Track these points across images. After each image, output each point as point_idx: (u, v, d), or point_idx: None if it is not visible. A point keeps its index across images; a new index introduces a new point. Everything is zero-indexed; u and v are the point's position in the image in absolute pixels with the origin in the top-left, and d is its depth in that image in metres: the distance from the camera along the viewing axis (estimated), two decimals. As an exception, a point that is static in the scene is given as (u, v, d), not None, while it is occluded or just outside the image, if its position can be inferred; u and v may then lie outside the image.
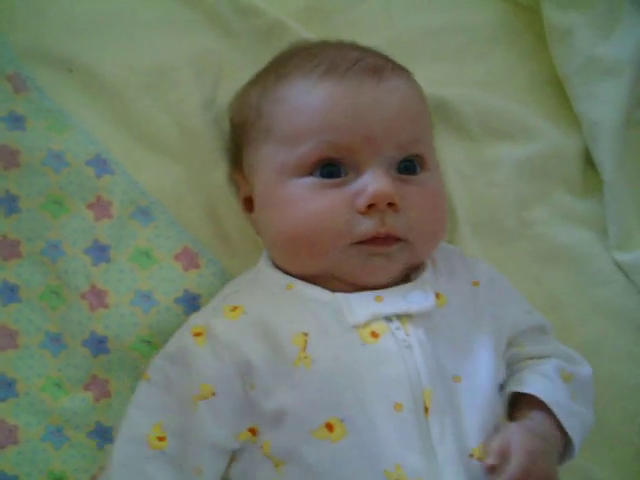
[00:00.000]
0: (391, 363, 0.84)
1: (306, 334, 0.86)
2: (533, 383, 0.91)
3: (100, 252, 1.01)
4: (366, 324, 0.86)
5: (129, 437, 0.87)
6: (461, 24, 1.22)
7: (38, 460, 0.95)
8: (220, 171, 1.06)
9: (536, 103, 1.20)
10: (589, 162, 1.17)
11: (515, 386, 0.91)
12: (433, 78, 1.16)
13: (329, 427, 0.82)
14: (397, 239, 0.88)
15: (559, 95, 1.20)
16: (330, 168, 0.89)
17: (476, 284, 0.97)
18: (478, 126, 1.17)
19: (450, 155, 1.14)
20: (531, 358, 0.96)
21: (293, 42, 1.06)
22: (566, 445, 0.90)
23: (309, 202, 0.88)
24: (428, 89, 1.11)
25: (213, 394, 0.85)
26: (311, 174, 0.89)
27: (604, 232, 1.14)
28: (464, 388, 0.86)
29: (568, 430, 0.88)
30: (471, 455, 0.82)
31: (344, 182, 0.88)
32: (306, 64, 0.93)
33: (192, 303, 1.01)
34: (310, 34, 1.13)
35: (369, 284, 0.89)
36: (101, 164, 1.03)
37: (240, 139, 1.00)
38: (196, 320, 0.92)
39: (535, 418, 0.88)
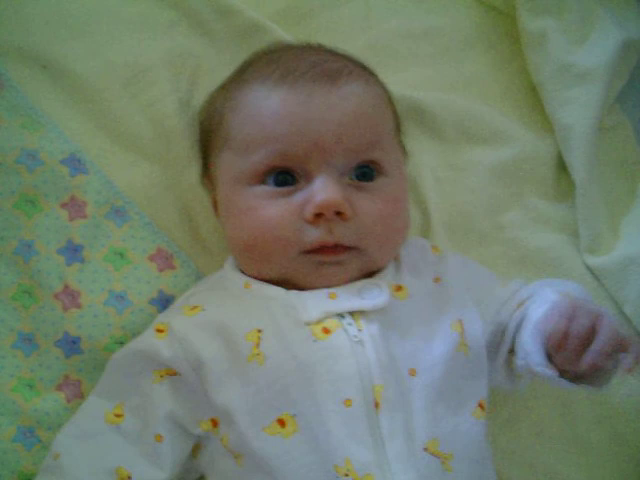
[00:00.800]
0: (341, 359, 0.84)
1: (260, 331, 0.87)
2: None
3: (74, 252, 1.00)
4: (319, 321, 0.87)
5: (85, 415, 0.90)
6: (439, 29, 1.22)
7: (9, 461, 0.94)
8: (195, 172, 1.06)
9: (511, 107, 1.21)
10: (562, 166, 1.18)
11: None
12: (409, 81, 1.18)
13: (281, 423, 0.83)
14: (347, 248, 0.88)
15: (533, 100, 1.21)
16: (283, 176, 0.89)
17: (437, 280, 0.97)
18: (453, 130, 1.17)
19: (425, 158, 1.15)
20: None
21: (265, 45, 1.06)
22: None
23: (260, 211, 0.89)
24: (404, 92, 1.13)
25: (176, 374, 0.88)
26: (264, 183, 0.90)
27: (576, 236, 1.15)
28: (419, 382, 0.86)
29: None
30: (425, 449, 0.83)
31: (295, 190, 0.89)
32: (264, 70, 0.93)
33: (166, 304, 1.01)
34: (288, 36, 1.13)
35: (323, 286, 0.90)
36: (75, 163, 1.02)
37: (206, 144, 1.00)
38: (160, 318, 0.95)
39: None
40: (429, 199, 1.13)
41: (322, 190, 0.86)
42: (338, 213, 0.86)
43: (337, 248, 0.88)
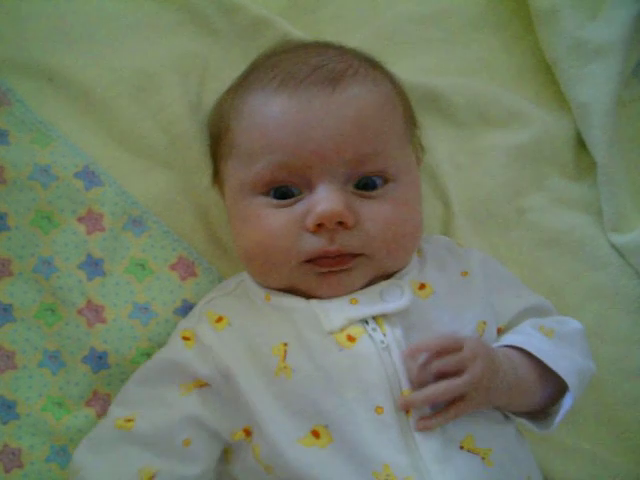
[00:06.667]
0: (369, 367, 0.84)
1: (286, 344, 0.86)
2: (505, 339, 0.92)
3: (94, 266, 0.99)
4: (342, 329, 0.86)
5: (99, 426, 0.90)
6: (447, 11, 1.20)
7: (45, 482, 0.94)
8: (209, 175, 1.04)
9: (525, 88, 1.19)
10: (581, 145, 1.16)
11: None
12: (421, 67, 1.16)
13: (316, 434, 0.82)
14: (353, 255, 0.87)
15: (547, 79, 1.19)
16: (283, 189, 0.88)
17: (465, 274, 0.96)
18: (469, 114, 1.15)
19: (442, 145, 1.13)
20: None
21: (272, 40, 1.04)
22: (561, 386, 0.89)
23: (261, 221, 0.88)
24: (416, 79, 1.11)
25: (206, 385, 0.88)
26: (266, 194, 0.89)
27: (599, 215, 1.13)
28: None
29: (547, 361, 0.87)
30: (461, 447, 0.82)
31: (296, 201, 0.88)
32: (266, 76, 0.91)
33: (191, 313, 0.99)
34: (295, 29, 1.11)
35: (335, 296, 0.88)
36: (90, 176, 1.01)
37: (215, 151, 0.99)
38: (184, 324, 0.94)
39: (509, 354, 0.89)
40: (449, 186, 1.11)
41: (323, 200, 0.85)
42: (340, 222, 0.85)
43: (340, 257, 0.86)
